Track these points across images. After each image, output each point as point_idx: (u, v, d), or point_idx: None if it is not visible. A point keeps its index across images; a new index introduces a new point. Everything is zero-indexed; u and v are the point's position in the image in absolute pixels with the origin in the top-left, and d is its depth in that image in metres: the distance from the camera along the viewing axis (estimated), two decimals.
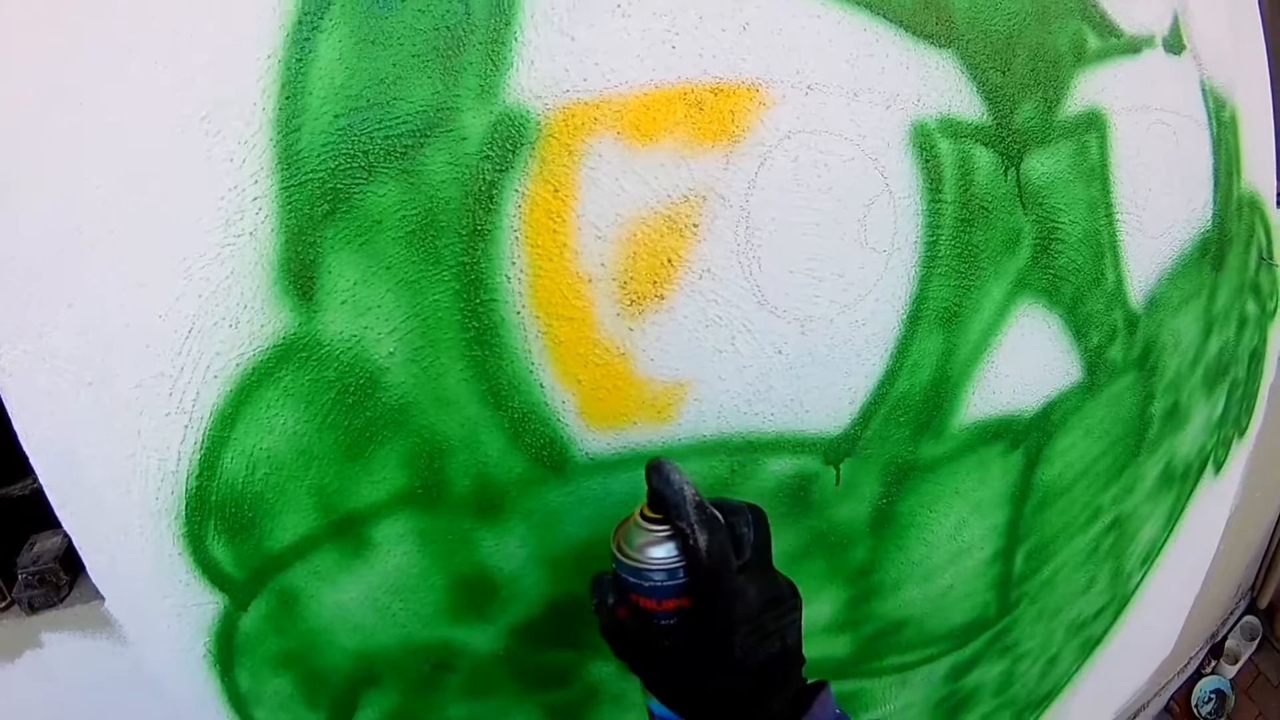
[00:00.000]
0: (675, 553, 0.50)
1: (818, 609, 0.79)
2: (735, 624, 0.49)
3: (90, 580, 0.59)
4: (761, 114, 0.60)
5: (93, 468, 0.54)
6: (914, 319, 0.70)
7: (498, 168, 0.54)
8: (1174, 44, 0.94)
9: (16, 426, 0.53)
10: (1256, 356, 1.21)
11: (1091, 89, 0.81)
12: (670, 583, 0.50)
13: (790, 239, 0.63)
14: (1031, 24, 0.75)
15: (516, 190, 0.54)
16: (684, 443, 0.65)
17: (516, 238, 0.55)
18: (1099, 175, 0.83)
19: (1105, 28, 0.83)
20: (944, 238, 0.70)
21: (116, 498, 0.55)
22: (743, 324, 0.63)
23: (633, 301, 0.60)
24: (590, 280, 0.58)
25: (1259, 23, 1.17)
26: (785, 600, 0.52)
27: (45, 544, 0.63)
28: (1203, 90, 1.00)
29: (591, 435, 0.62)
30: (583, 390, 0.60)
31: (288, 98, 0.49)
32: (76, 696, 0.63)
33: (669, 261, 0.60)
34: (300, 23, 0.49)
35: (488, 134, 0.53)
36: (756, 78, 0.60)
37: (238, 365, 0.53)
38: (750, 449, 0.67)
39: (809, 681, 0.54)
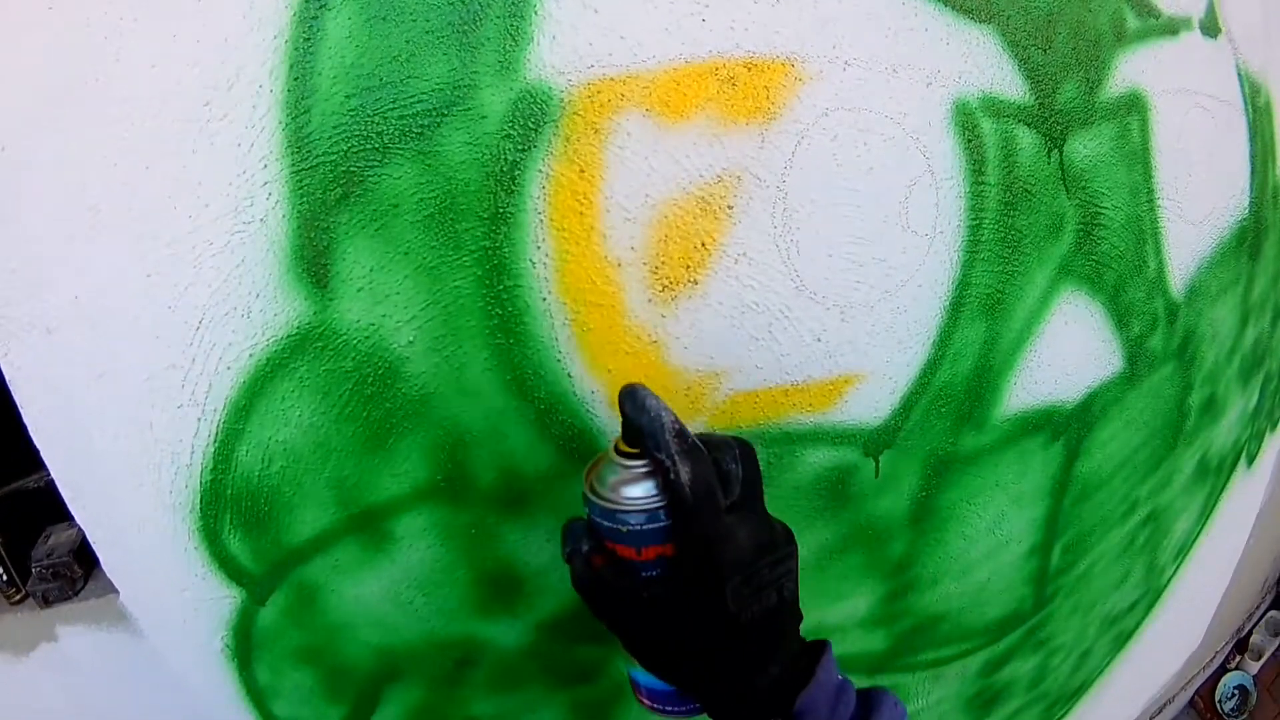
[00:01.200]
0: (655, 491, 0.42)
1: (855, 604, 0.73)
2: (727, 571, 0.41)
3: (104, 573, 0.55)
4: (798, 90, 0.55)
5: (105, 461, 0.51)
6: (957, 306, 0.64)
7: (520, 147, 0.49)
8: (1210, 27, 0.87)
9: (27, 420, 0.49)
10: None
11: (1132, 70, 0.75)
12: (650, 525, 0.42)
13: (830, 221, 0.57)
14: (1072, 1, 0.68)
15: (540, 171, 0.49)
16: (719, 434, 0.59)
17: (541, 221, 0.50)
18: (1141, 159, 0.76)
19: (1144, 7, 0.76)
20: (987, 221, 0.63)
21: (129, 491, 0.52)
22: (781, 310, 0.57)
23: (665, 287, 0.54)
24: (620, 265, 0.53)
25: None
26: (780, 545, 0.44)
27: (60, 537, 0.60)
28: (1239, 75, 0.93)
29: None
30: (613, 380, 0.55)
31: (296, 79, 0.45)
32: (92, 690, 0.60)
33: (703, 245, 0.54)
34: (307, 1, 0.45)
35: (508, 112, 0.48)
36: (792, 52, 0.54)
37: (251, 356, 0.49)
38: (787, 440, 0.61)
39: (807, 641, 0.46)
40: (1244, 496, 1.20)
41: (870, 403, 0.63)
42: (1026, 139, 0.65)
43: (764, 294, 0.57)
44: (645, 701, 0.50)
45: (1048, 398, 0.73)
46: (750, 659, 0.43)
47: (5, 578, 0.59)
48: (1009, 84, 0.64)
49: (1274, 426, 1.18)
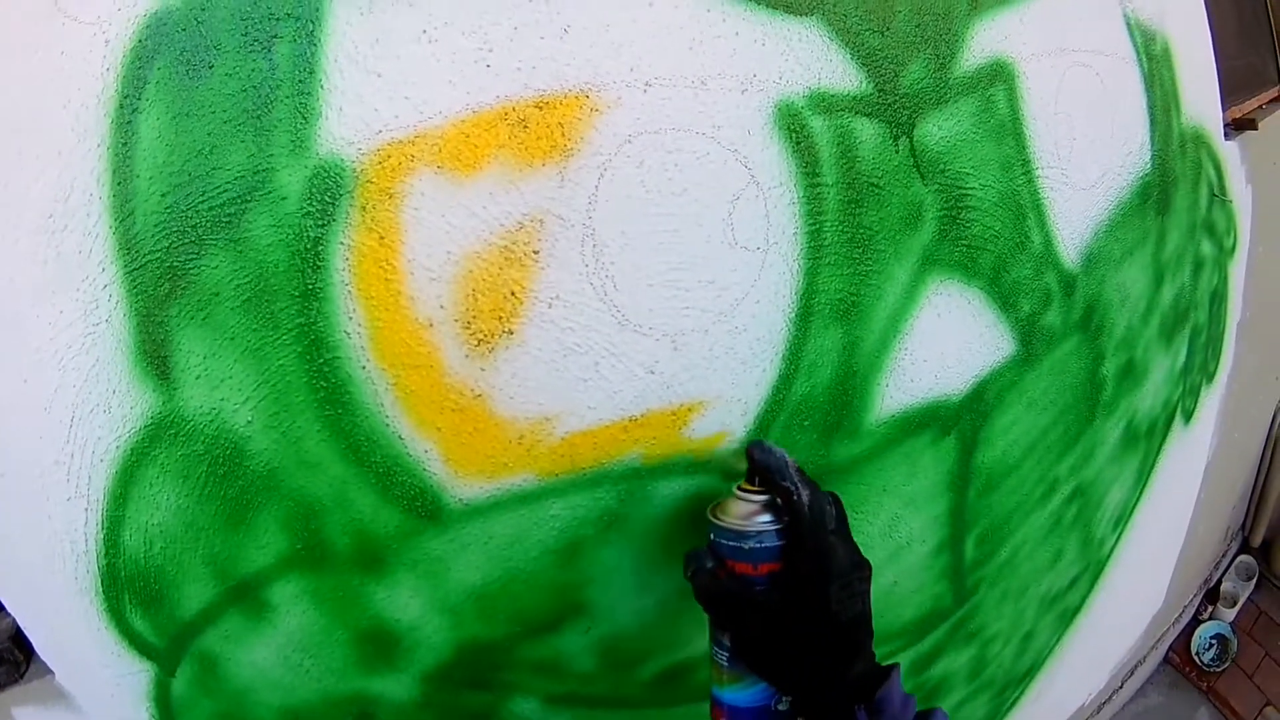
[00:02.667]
0: (772, 518, 0.55)
1: None
2: (831, 576, 0.53)
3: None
4: (595, 121, 0.54)
5: (20, 551, 0.56)
6: (804, 316, 0.63)
7: (320, 223, 0.50)
8: None
9: None
10: (1218, 297, 1.11)
11: (993, 37, 0.73)
12: (766, 545, 0.54)
13: (646, 251, 0.56)
14: None
15: (342, 243, 0.51)
16: (562, 478, 0.59)
17: (349, 292, 0.51)
18: (1010, 130, 0.75)
19: None
20: (828, 224, 0.62)
21: (45, 578, 0.56)
22: (606, 348, 0.56)
23: (480, 341, 0.54)
24: (431, 325, 0.53)
25: None
26: (865, 565, 0.56)
27: (1, 624, 0.63)
28: (1127, 25, 0.91)
29: (461, 481, 0.57)
30: (443, 437, 0.56)
31: (119, 183, 0.49)
32: None
33: (512, 294, 0.54)
34: (121, 106, 0.48)
35: (305, 190, 0.50)
36: (585, 83, 0.53)
37: (118, 448, 0.53)
38: (636, 476, 0.60)
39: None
40: (1185, 454, 1.19)
41: (721, 427, 0.62)
42: (867, 130, 0.64)
43: (585, 334, 0.56)
44: None
45: (929, 394, 0.72)
46: (843, 653, 0.54)
47: None
48: (840, 75, 0.63)
49: (1210, 379, 1.18)
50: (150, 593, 0.56)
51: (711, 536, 0.57)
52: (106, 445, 0.52)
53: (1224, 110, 1.16)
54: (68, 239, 0.49)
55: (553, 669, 0.67)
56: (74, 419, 0.52)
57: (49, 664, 0.61)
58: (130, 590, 0.56)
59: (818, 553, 0.53)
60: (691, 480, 0.63)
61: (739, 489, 0.57)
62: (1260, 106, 1.37)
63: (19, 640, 0.62)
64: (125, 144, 0.48)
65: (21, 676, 0.63)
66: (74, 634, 0.58)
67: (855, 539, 0.57)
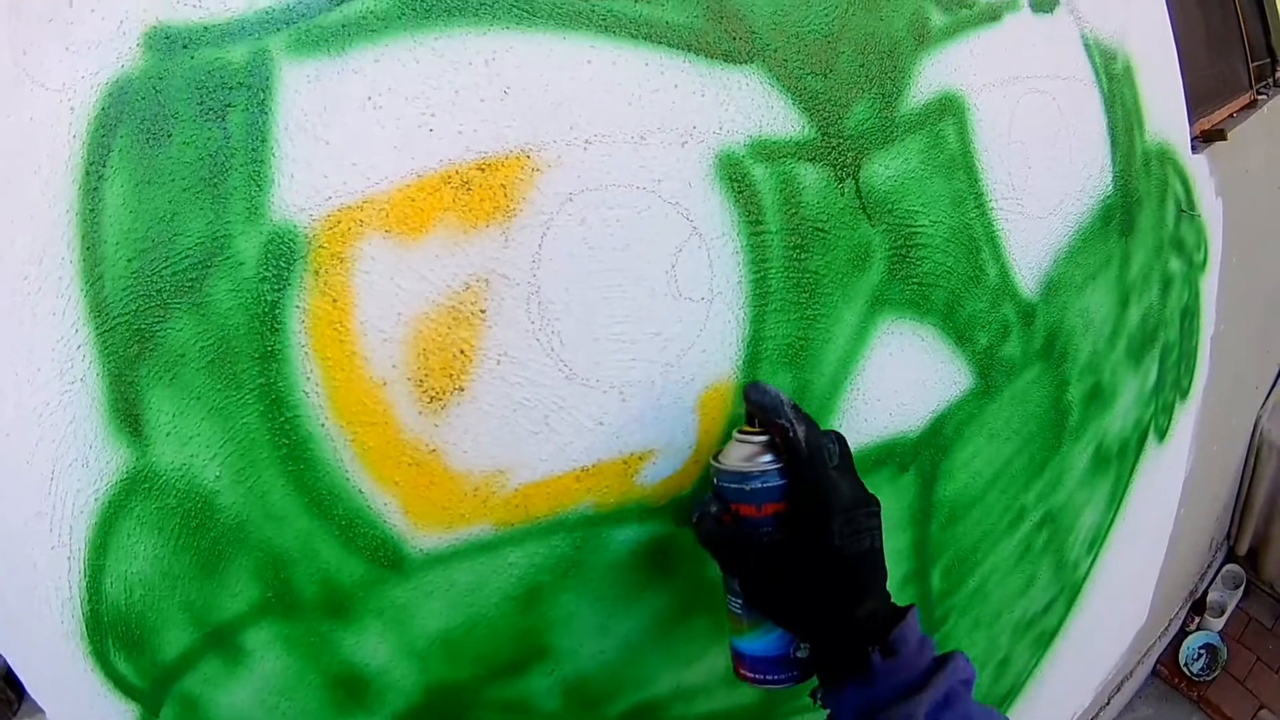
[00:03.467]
0: (772, 458, 0.55)
1: (712, 661, 0.74)
2: (833, 511, 0.53)
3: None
4: (536, 181, 0.56)
5: (9, 596, 0.60)
6: (751, 363, 0.65)
7: (276, 287, 0.53)
8: (1042, 2, 0.88)
9: None
10: (1189, 313, 1.13)
11: (941, 71, 0.75)
12: (768, 485, 0.55)
13: (591, 306, 0.58)
14: (856, 14, 0.69)
15: (298, 307, 0.54)
16: (518, 527, 0.61)
17: (306, 353, 0.54)
18: (961, 164, 0.77)
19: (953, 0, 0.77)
20: (773, 271, 0.65)
21: (33, 622, 0.60)
22: (554, 402, 0.58)
23: (432, 398, 0.56)
24: (385, 384, 0.56)
25: None
26: (872, 502, 0.56)
27: None
28: (1085, 46, 0.93)
29: (421, 532, 0.59)
30: (402, 490, 0.58)
31: (88, 248, 0.52)
32: None
33: (461, 353, 0.56)
34: (88, 173, 0.51)
35: (261, 255, 0.53)
36: (525, 143, 0.56)
37: (96, 500, 0.56)
38: (590, 524, 0.62)
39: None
40: (1161, 471, 1.21)
41: (675, 473, 0.64)
42: (811, 175, 0.66)
43: (533, 389, 0.58)
44: (746, 674, 0.61)
45: (884, 432, 0.75)
46: (850, 590, 0.54)
47: None
48: (782, 122, 0.65)
49: (1184, 395, 1.20)
50: (132, 637, 0.59)
51: (715, 482, 0.58)
52: (86, 498, 0.56)
53: (1191, 124, 1.19)
54: (42, 301, 0.53)
55: (520, 709, 0.69)
56: (54, 472, 0.55)
57: (40, 704, 0.64)
58: (113, 635, 0.59)
59: (816, 487, 0.53)
60: (645, 526, 0.65)
61: (739, 432, 0.58)
62: (1230, 115, 1.40)
63: (10, 680, 0.68)
64: (93, 210, 0.52)
65: (15, 714, 0.69)
66: (62, 676, 0.61)
67: None
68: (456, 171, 0.54)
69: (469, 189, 0.55)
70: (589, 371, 0.59)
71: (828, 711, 0.57)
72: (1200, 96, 1.26)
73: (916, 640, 0.54)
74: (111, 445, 0.55)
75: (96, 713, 0.62)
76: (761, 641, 0.59)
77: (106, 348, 0.53)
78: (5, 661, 0.65)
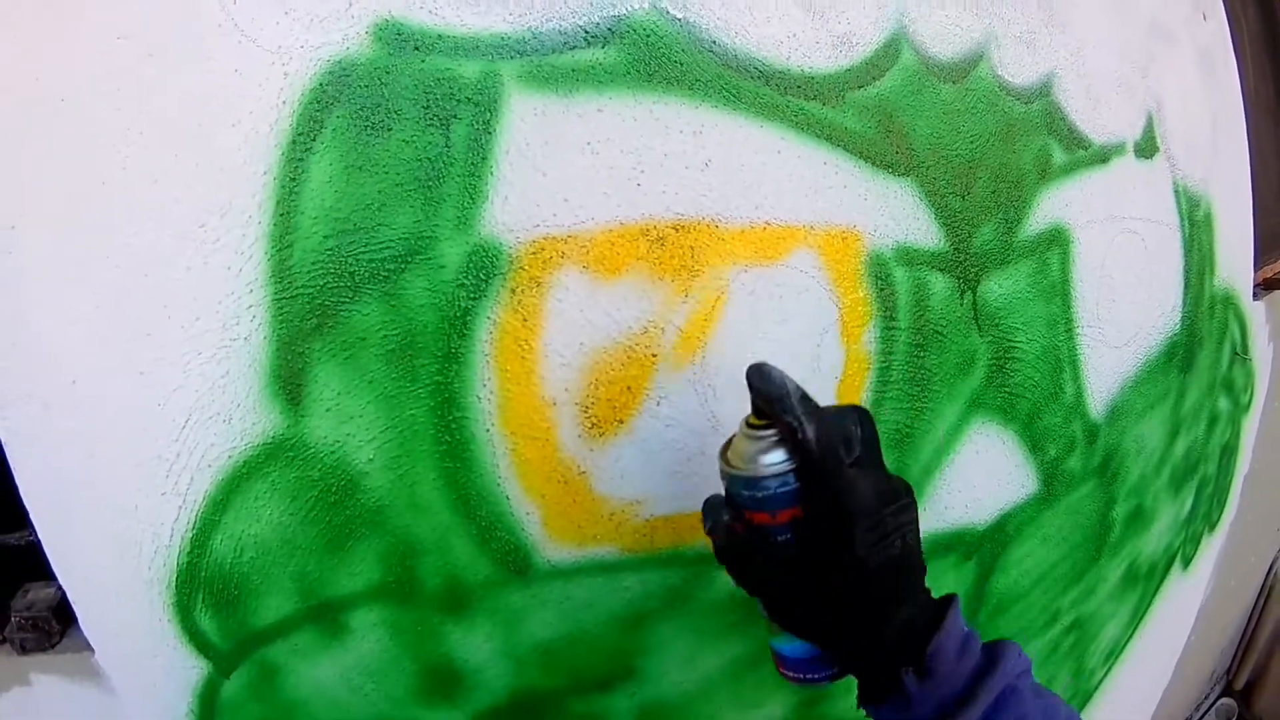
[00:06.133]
0: (785, 456, 0.51)
1: (770, 710, 0.85)
2: (854, 518, 0.49)
3: (80, 632, 0.66)
4: (720, 249, 0.67)
5: (90, 533, 0.61)
6: None
7: (472, 296, 0.61)
8: (1145, 148, 1.02)
9: (19, 484, 0.60)
10: (1228, 451, 1.29)
11: (1055, 205, 0.89)
12: (782, 489, 0.51)
13: (743, 367, 0.70)
14: (995, 145, 0.83)
15: (489, 318, 0.62)
16: (640, 555, 0.71)
17: (487, 362, 0.63)
18: (1059, 291, 0.91)
19: (1073, 140, 0.90)
20: (896, 363, 0.77)
21: (111, 562, 0.62)
22: (698, 449, 0.70)
23: (594, 425, 0.66)
24: (555, 404, 0.65)
25: (1239, 103, 1.24)
26: (901, 495, 0.52)
27: (40, 593, 0.69)
28: (1175, 192, 1.08)
29: (553, 544, 0.68)
30: (545, 504, 0.67)
31: (281, 214, 0.57)
32: None
33: (628, 389, 0.67)
34: (294, 143, 0.56)
35: (463, 264, 0.60)
36: (717, 214, 0.67)
37: (229, 457, 0.60)
38: (703, 561, 0.73)
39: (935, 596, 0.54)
40: (1181, 598, 1.35)
41: None
42: (939, 284, 0.80)
43: (682, 433, 0.69)
44: (786, 673, 0.60)
45: (958, 521, 0.87)
46: (879, 605, 0.51)
47: None
48: (925, 233, 0.78)
49: (1212, 528, 1.35)
50: (227, 596, 0.63)
51: (725, 485, 0.55)
52: (219, 452, 0.59)
53: (1255, 270, 1.34)
54: (218, 252, 0.56)
55: None
56: (189, 421, 0.59)
57: (92, 643, 0.66)
58: (207, 590, 0.63)
59: (833, 493, 0.49)
60: None
61: (747, 423, 0.54)
62: None
63: (60, 612, 0.68)
64: (293, 179, 0.56)
65: (52, 647, 0.68)
66: (131, 620, 0.64)
67: None
68: (654, 226, 0.65)
69: (663, 244, 0.65)
70: (732, 426, 0.71)
71: None
72: (1267, 243, 1.40)
73: (957, 649, 0.51)
74: (262, 408, 0.59)
75: (160, 663, 0.65)
76: (796, 643, 0.57)
77: (282, 314, 0.57)
78: (58, 593, 0.67)
